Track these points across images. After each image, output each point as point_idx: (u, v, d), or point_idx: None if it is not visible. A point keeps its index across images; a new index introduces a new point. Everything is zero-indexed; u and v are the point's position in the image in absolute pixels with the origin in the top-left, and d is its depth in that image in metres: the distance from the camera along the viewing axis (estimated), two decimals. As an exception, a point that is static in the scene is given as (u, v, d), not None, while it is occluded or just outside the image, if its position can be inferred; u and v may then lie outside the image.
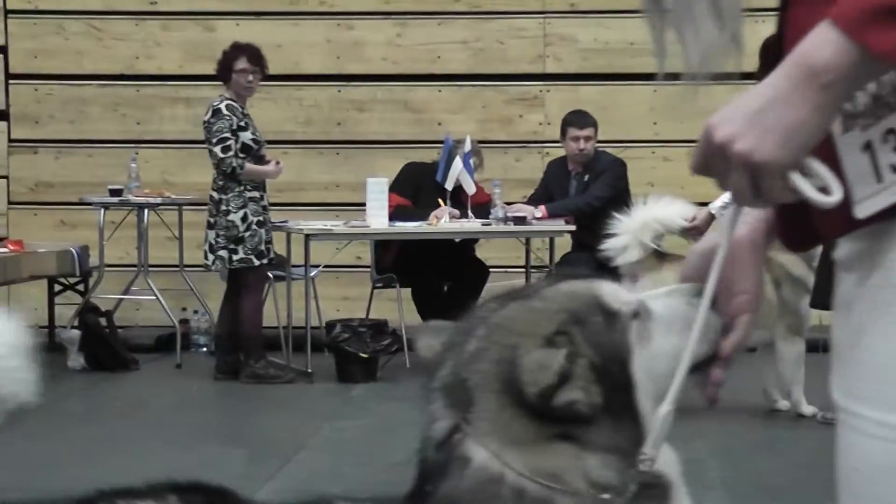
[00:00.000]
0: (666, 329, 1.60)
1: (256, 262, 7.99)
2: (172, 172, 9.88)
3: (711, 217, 6.79)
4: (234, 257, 7.92)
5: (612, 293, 1.61)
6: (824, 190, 1.35)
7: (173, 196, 9.13)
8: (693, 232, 6.80)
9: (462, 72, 9.88)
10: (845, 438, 1.44)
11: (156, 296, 8.78)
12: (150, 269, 8.96)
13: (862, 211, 1.38)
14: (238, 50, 8.07)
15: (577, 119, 8.58)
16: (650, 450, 1.50)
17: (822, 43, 1.28)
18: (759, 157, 1.30)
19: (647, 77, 9.07)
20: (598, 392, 1.51)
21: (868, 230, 1.40)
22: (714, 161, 1.34)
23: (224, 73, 8.06)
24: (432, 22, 9.86)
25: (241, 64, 8.01)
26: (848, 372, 1.43)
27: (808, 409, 6.78)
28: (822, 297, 6.39)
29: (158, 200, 9.00)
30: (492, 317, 1.59)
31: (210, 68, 8.38)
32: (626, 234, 7.01)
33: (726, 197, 7.70)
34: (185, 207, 9.25)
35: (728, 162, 1.32)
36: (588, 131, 8.51)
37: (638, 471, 1.51)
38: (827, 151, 1.39)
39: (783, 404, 6.92)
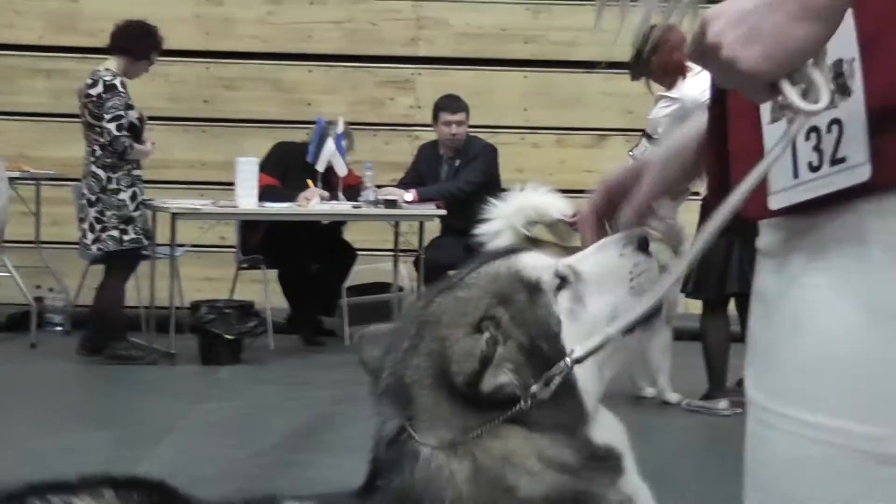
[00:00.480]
0: (598, 289, 1.57)
1: (146, 242, 7.84)
2: (31, 146, 9.53)
3: None
4: (126, 237, 7.70)
5: (533, 264, 1.58)
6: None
7: (32, 170, 8.83)
8: (576, 227, 6.83)
9: (334, 52, 9.76)
10: (757, 434, 1.41)
11: (10, 272, 8.48)
12: (5, 244, 8.65)
13: (775, 202, 1.37)
14: (157, 37, 7.84)
15: (450, 104, 8.56)
16: (578, 350, 1.48)
17: None
18: (742, 66, 1.22)
19: (519, 63, 9.11)
20: (531, 372, 1.49)
21: (790, 222, 1.38)
22: (706, 56, 1.27)
23: (129, 49, 7.73)
24: (304, 0, 9.72)
25: (156, 54, 7.87)
26: (768, 368, 1.40)
27: (673, 396, 6.87)
28: (694, 285, 6.53)
29: (16, 174, 8.69)
30: (422, 314, 1.57)
31: (72, 40, 8.11)
32: (500, 218, 7.00)
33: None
34: (43, 182, 8.96)
35: (717, 64, 1.26)
36: (460, 116, 8.51)
37: (587, 445, 1.49)
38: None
39: (649, 391, 7.01)
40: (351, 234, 8.95)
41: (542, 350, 1.50)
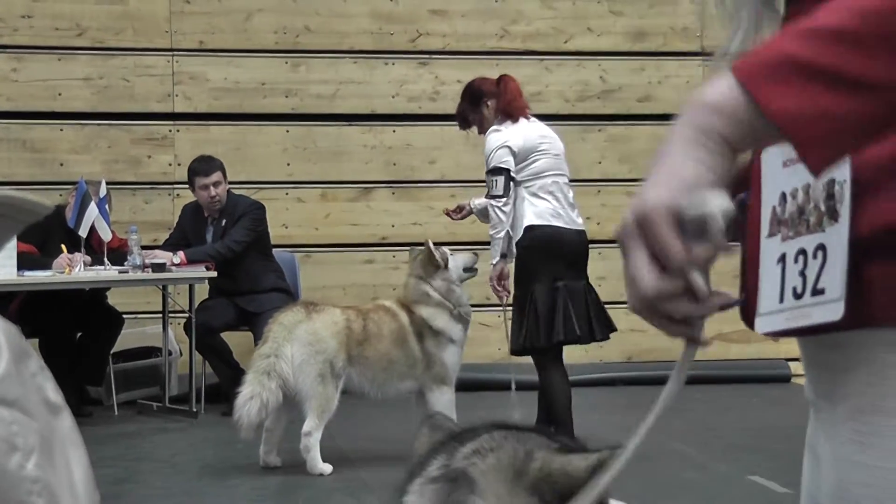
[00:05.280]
0: None
1: None
2: None
3: None
4: None
5: None
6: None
7: None
8: None
9: (85, 110, 9.38)
10: None
11: None
12: None
13: (760, 326, 1.32)
14: None
15: (201, 167, 8.30)
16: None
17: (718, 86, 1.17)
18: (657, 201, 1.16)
19: (280, 117, 9.02)
20: None
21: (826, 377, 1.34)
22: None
23: None
24: (52, 57, 9.30)
25: None
26: None
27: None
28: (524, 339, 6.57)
29: None
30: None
31: None
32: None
33: None
34: None
35: (637, 236, 1.18)
36: (216, 177, 8.28)
37: None
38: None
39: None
40: (115, 298, 8.63)
41: None
